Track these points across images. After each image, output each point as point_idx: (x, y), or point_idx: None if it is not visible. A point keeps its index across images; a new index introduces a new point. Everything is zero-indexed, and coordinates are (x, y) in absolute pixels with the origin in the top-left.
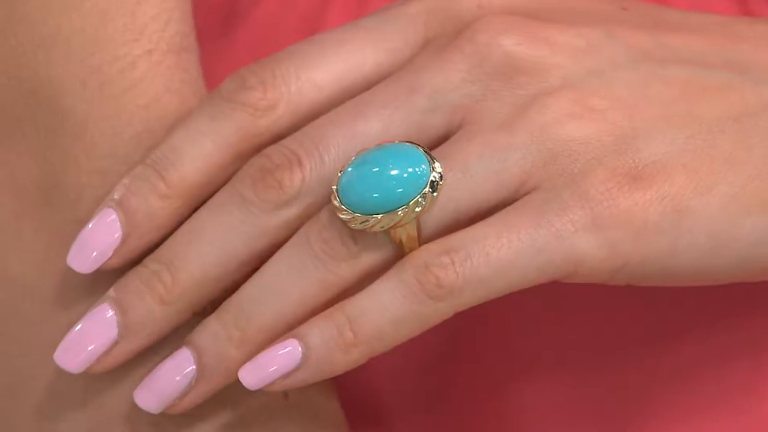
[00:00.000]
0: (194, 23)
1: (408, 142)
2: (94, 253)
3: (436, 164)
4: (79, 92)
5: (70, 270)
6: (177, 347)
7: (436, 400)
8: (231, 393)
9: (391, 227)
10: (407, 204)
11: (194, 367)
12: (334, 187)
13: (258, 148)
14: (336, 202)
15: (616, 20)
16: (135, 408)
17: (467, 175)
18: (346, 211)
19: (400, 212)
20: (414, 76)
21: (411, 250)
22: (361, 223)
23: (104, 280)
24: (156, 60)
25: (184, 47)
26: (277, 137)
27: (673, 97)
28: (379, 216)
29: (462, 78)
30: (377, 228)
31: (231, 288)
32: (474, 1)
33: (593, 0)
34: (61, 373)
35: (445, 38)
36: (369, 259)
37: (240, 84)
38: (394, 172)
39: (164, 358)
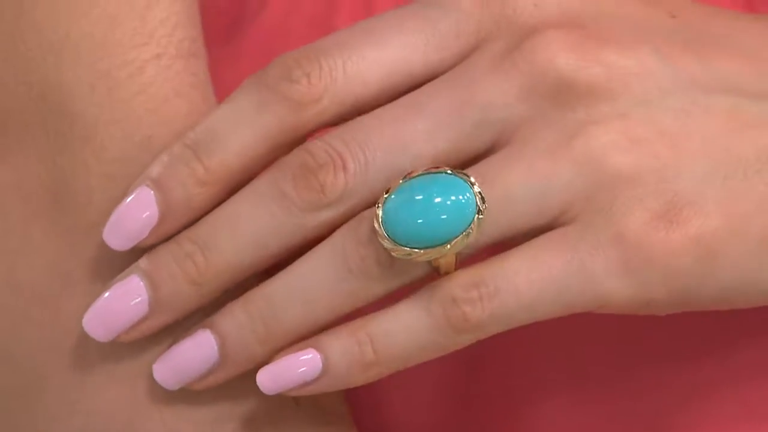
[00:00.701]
0: (201, 28)
1: (450, 169)
2: (130, 231)
3: (477, 188)
4: (88, 96)
5: (80, 274)
6: (197, 322)
7: (449, 416)
8: (242, 395)
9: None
10: (455, 238)
11: (216, 352)
12: (378, 211)
13: (300, 140)
14: (380, 230)
15: (667, 35)
16: (144, 414)
17: (509, 201)
18: (389, 240)
19: (448, 246)
20: (467, 89)
21: (447, 273)
22: (404, 255)
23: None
24: (165, 64)
25: (193, 52)
26: (321, 127)
27: (715, 132)
28: (423, 250)
29: (515, 96)
30: (421, 260)
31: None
32: (530, 0)
33: (645, 5)
34: (70, 375)
35: (499, 43)
36: (403, 279)
37: (286, 74)
38: (438, 200)
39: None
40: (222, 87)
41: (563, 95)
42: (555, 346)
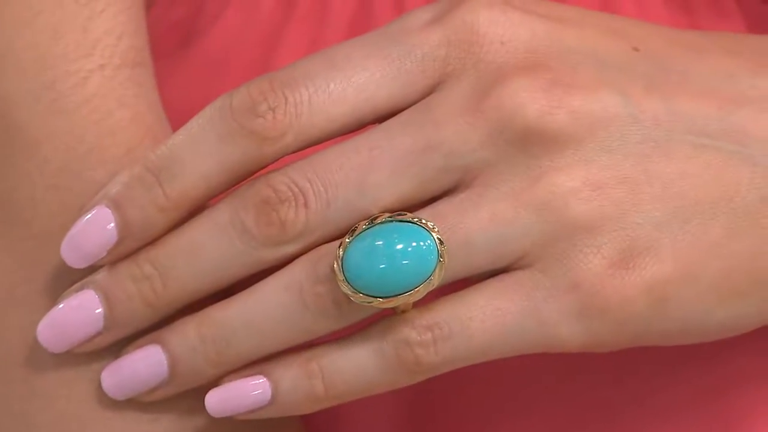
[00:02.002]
0: (149, 38)
1: (413, 217)
2: (88, 250)
3: (436, 235)
4: (32, 108)
5: (25, 287)
6: (148, 332)
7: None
8: (193, 408)
9: None
10: (417, 286)
11: (167, 370)
12: (339, 252)
13: (261, 169)
14: (339, 274)
15: (630, 72)
16: (93, 425)
17: (469, 247)
18: (348, 285)
19: (410, 294)
20: (432, 132)
21: (404, 312)
22: (365, 302)
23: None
24: (109, 75)
25: (138, 62)
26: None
27: (674, 176)
28: (385, 299)
29: (481, 142)
30: (382, 307)
31: None
32: (497, 38)
33: (608, 38)
34: (18, 388)
35: (466, 81)
36: (358, 316)
37: (251, 106)
38: (399, 247)
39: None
40: (171, 97)
41: (529, 142)
42: (507, 375)
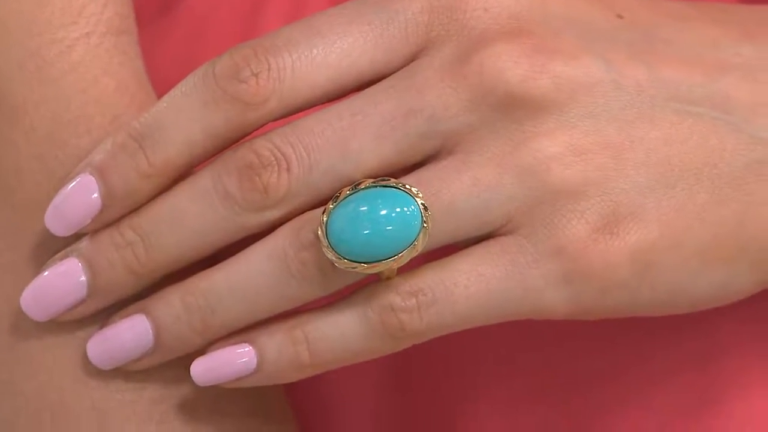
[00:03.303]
0: (133, 5)
1: (396, 182)
2: (72, 218)
3: (420, 200)
4: (17, 76)
5: (9, 255)
6: (132, 301)
7: (390, 405)
8: (176, 378)
9: None
10: (401, 252)
11: (152, 339)
12: (323, 218)
13: (245, 136)
14: (323, 240)
15: (614, 39)
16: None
17: (453, 212)
18: (333, 251)
19: (394, 260)
20: (414, 97)
21: (388, 278)
22: (349, 267)
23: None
24: (94, 42)
25: (123, 29)
26: (266, 124)
27: (658, 142)
28: (369, 264)
29: (463, 107)
30: (366, 272)
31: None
32: (480, 4)
33: (591, 4)
34: (2, 356)
35: (448, 47)
36: (344, 282)
37: (234, 72)
38: (383, 212)
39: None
40: (155, 63)
41: (511, 107)
42: (489, 345)
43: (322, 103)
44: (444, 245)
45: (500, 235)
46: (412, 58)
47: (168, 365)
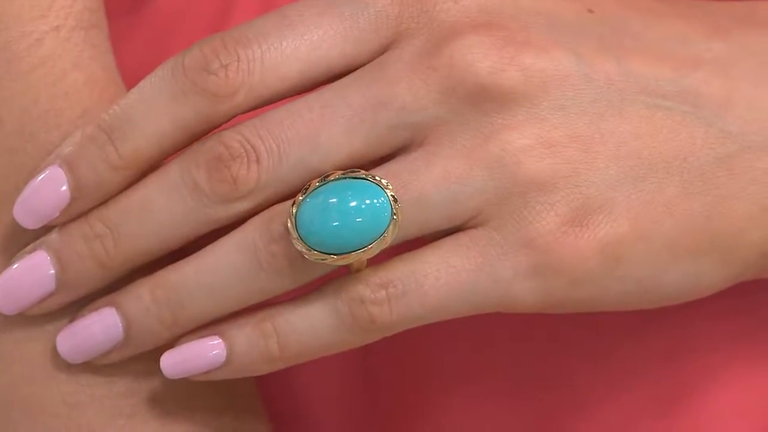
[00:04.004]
0: (103, 1)
1: (366, 174)
2: (41, 210)
3: (390, 192)
4: None
5: None
6: (102, 294)
7: (360, 399)
8: (146, 371)
9: None
10: (371, 243)
11: (122, 332)
12: (293, 210)
13: (215, 128)
14: (293, 232)
15: (584, 33)
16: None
17: (423, 205)
18: (302, 243)
19: (364, 251)
20: (384, 89)
21: (358, 270)
22: (318, 259)
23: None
24: (64, 36)
25: (93, 23)
26: (236, 116)
27: (627, 136)
28: (339, 256)
29: (433, 99)
30: (336, 264)
31: None
32: None
33: (562, 1)
34: None
35: (419, 39)
36: (313, 274)
37: (203, 64)
38: (353, 204)
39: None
40: (126, 58)
41: (481, 99)
42: (463, 339)
43: (292, 95)
44: (414, 237)
45: (470, 227)
46: (382, 51)
47: (138, 359)
